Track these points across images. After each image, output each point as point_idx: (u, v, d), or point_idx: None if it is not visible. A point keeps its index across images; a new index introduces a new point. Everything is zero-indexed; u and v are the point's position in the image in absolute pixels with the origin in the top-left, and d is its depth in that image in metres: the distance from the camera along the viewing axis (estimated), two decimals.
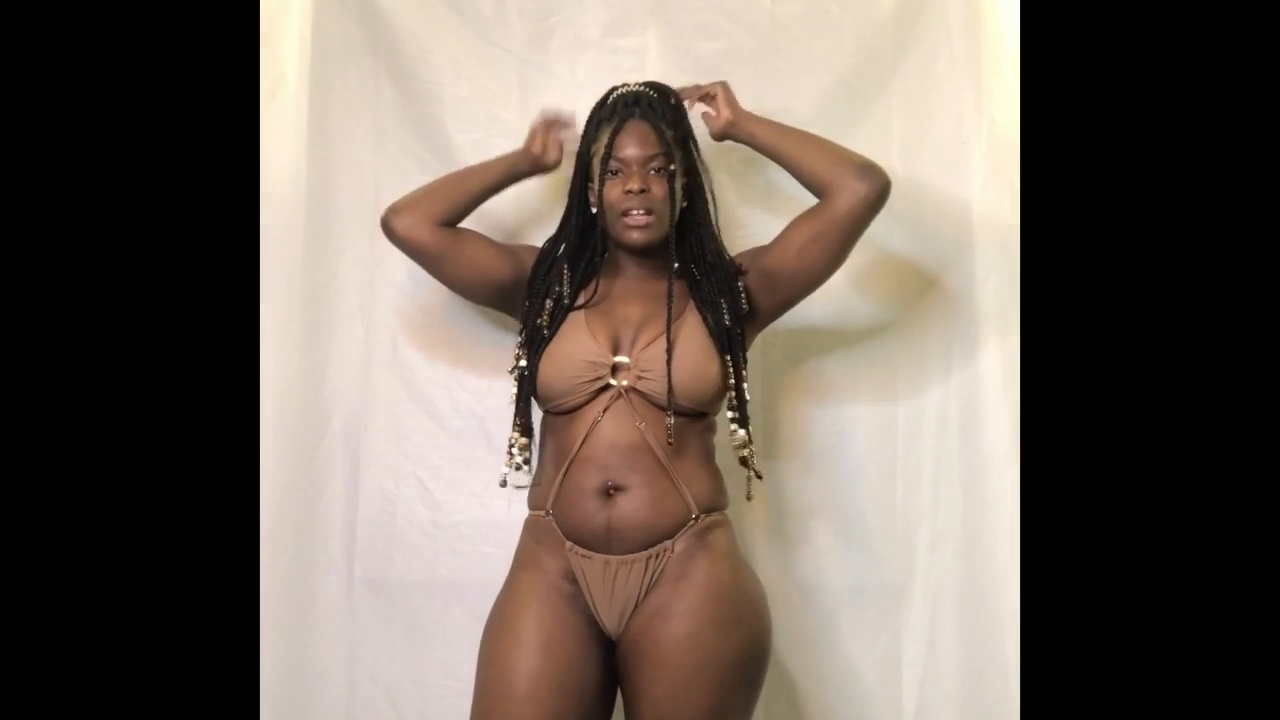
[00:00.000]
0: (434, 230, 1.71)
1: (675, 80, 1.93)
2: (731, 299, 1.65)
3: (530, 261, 1.73)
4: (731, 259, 1.72)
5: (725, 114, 1.74)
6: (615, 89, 1.73)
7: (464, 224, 1.75)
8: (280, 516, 1.88)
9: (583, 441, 1.57)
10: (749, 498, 1.69)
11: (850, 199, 1.62)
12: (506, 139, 1.82)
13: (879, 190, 1.63)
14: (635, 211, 1.64)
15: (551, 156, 1.78)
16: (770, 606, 1.65)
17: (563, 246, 1.73)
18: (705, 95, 1.78)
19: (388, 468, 1.94)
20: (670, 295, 1.63)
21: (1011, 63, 1.87)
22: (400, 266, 1.86)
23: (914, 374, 1.97)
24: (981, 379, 1.92)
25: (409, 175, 1.94)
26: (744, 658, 1.55)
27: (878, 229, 1.97)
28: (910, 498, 1.97)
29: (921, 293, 1.98)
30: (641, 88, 1.73)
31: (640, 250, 1.68)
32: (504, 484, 1.66)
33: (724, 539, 1.62)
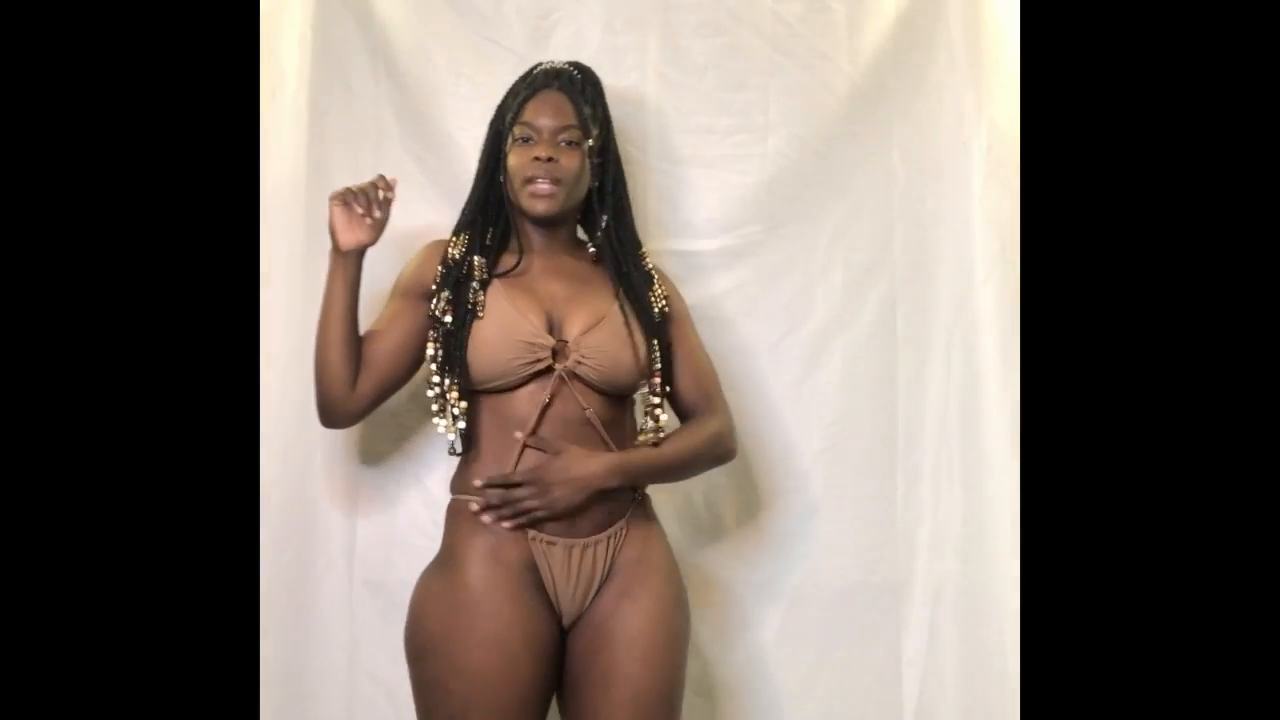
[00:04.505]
0: (360, 396, 1.64)
1: (676, 79, 1.93)
2: (665, 300, 1.71)
3: (427, 268, 1.68)
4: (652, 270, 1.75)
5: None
6: (539, 64, 1.73)
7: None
8: (280, 516, 1.88)
9: (538, 421, 1.58)
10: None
11: None
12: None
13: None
14: (540, 180, 1.63)
15: (364, 236, 1.62)
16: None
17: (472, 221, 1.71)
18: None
19: (388, 468, 1.94)
20: (621, 283, 1.68)
21: (1011, 64, 1.87)
22: (400, 267, 1.86)
23: (914, 374, 1.98)
24: (981, 379, 1.92)
25: (409, 175, 1.93)
26: (687, 635, 1.65)
27: (877, 228, 1.99)
28: (910, 498, 1.97)
29: (922, 292, 1.98)
30: (566, 65, 1.73)
31: (544, 222, 1.68)
32: (453, 452, 1.63)
33: (656, 518, 1.70)
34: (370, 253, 1.68)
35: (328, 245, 1.98)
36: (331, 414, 1.66)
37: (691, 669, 1.90)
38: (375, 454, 1.95)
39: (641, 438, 1.65)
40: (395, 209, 1.94)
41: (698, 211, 1.96)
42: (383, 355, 1.65)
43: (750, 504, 1.95)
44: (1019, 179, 1.60)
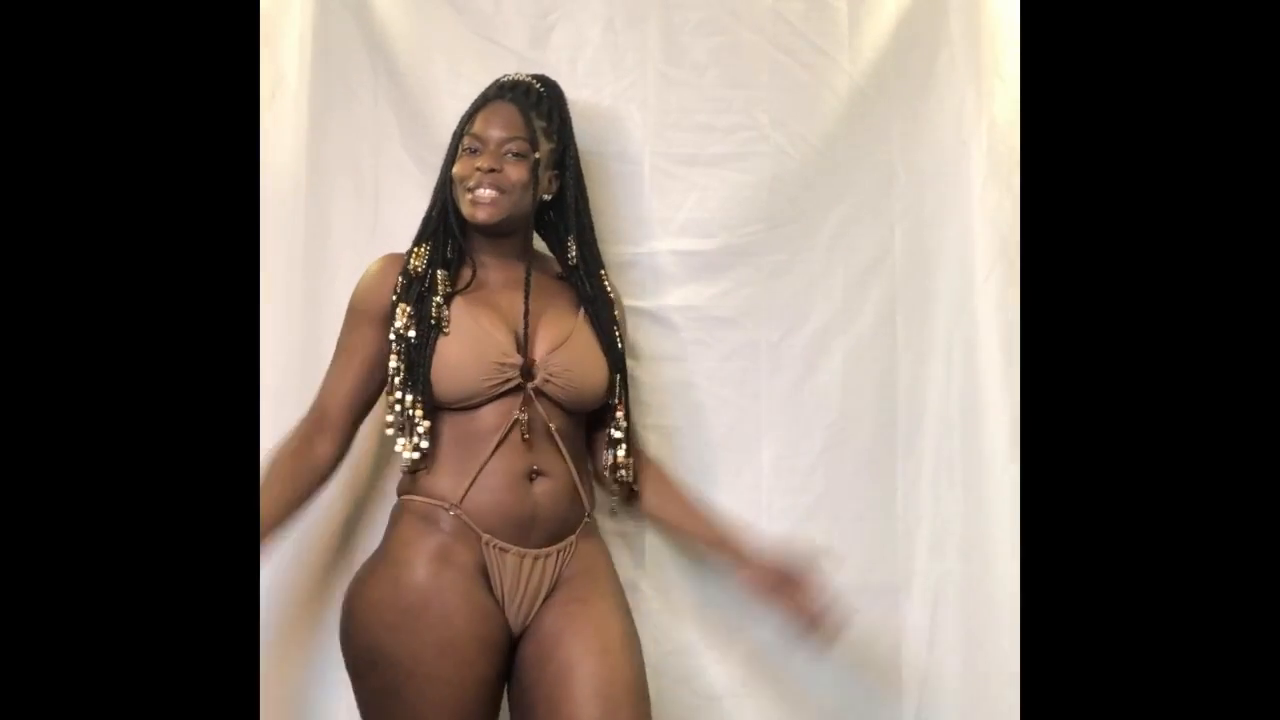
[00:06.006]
0: (336, 452, 1.65)
1: (677, 77, 1.93)
2: (618, 326, 1.74)
3: (382, 288, 1.66)
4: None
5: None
6: (505, 76, 1.74)
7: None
8: None
9: (507, 431, 1.59)
10: (614, 512, 1.80)
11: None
12: None
13: None
14: (482, 188, 1.62)
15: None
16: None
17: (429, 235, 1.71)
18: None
19: (387, 467, 1.94)
20: (586, 306, 1.71)
21: (1011, 63, 1.87)
22: None
23: (914, 374, 1.97)
24: (981, 379, 1.92)
25: (409, 175, 1.93)
26: (639, 640, 1.65)
27: (878, 228, 1.99)
28: (910, 498, 1.97)
29: (922, 292, 1.98)
30: (527, 78, 1.73)
31: (491, 232, 1.67)
32: (413, 470, 1.62)
33: (602, 539, 1.73)
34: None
35: (327, 245, 1.99)
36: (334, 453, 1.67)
37: (691, 669, 1.91)
38: (374, 454, 1.95)
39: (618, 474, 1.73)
40: (396, 208, 1.95)
41: (698, 210, 1.96)
42: (348, 406, 1.66)
43: (749, 505, 1.94)
44: (1019, 179, 1.61)
